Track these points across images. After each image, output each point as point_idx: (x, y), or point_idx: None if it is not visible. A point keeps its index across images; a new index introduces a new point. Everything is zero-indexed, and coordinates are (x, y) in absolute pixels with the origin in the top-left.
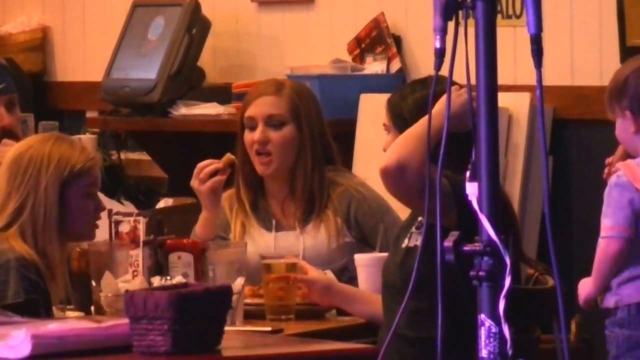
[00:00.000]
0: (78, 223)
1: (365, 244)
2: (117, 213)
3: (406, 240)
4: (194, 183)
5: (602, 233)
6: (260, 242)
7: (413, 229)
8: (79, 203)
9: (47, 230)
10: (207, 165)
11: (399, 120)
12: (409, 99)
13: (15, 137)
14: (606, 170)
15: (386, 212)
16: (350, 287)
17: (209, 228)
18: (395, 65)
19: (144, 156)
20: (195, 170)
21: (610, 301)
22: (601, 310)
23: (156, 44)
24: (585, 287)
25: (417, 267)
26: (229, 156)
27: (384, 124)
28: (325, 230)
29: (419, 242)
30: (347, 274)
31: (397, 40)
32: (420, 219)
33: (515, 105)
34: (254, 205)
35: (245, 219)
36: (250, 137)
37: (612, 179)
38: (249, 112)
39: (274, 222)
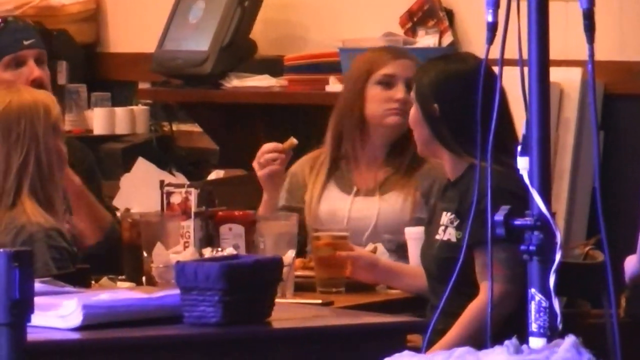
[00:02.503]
0: (61, 169)
1: None
2: (169, 184)
3: (441, 232)
4: (255, 165)
5: None
6: (337, 203)
7: (446, 221)
8: (61, 147)
9: (52, 178)
10: (268, 151)
11: (419, 94)
12: (430, 74)
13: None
14: None
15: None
16: (395, 262)
17: (269, 208)
18: (447, 39)
19: (195, 127)
20: (258, 153)
21: None
22: None
23: (208, 16)
24: (630, 264)
25: (460, 264)
26: (292, 141)
27: (410, 96)
28: (404, 201)
29: (452, 237)
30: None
31: (449, 13)
32: (450, 214)
33: (566, 80)
34: (338, 169)
35: (326, 180)
36: (388, 94)
37: None
38: (390, 70)
39: (355, 188)
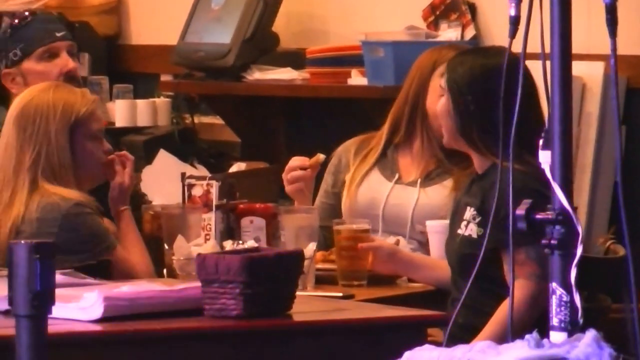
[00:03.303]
0: (90, 167)
1: None
2: (190, 177)
3: (463, 227)
4: (283, 180)
5: None
6: (376, 188)
7: (469, 216)
8: (89, 147)
9: (64, 176)
10: (295, 167)
11: (453, 85)
12: (465, 66)
13: (77, 83)
14: None
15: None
16: (416, 254)
17: None
18: (470, 32)
19: (217, 120)
20: (286, 168)
21: None
22: None
23: (231, 8)
24: None
25: (481, 259)
26: (318, 157)
27: (440, 85)
28: (445, 197)
29: (473, 233)
30: None
31: (472, 7)
32: (473, 210)
33: (588, 74)
34: (385, 155)
35: (372, 165)
36: None
37: None
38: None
39: (397, 175)
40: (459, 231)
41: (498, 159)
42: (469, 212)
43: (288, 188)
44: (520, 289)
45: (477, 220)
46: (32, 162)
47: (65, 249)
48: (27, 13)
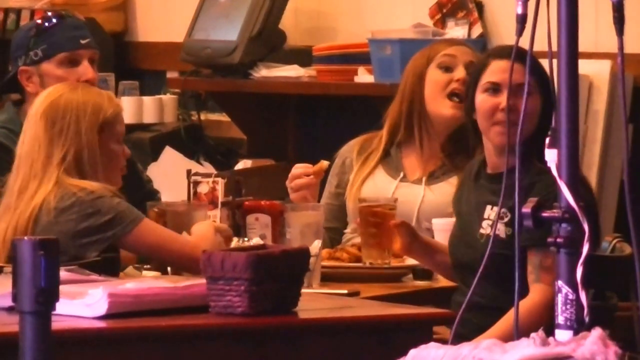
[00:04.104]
0: (112, 169)
1: None
2: (196, 174)
3: (485, 227)
4: (288, 188)
5: None
6: (381, 186)
7: (493, 216)
8: (112, 150)
9: (92, 174)
10: (299, 175)
11: (543, 82)
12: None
13: None
14: None
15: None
16: (431, 238)
17: None
18: (477, 30)
19: (223, 117)
20: (290, 176)
21: None
22: None
23: (238, 5)
24: None
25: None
26: (322, 164)
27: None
28: (450, 194)
29: (501, 233)
30: None
31: (479, 5)
32: (497, 209)
33: (595, 72)
34: (388, 154)
35: (375, 165)
36: (449, 76)
37: None
38: (450, 51)
39: (402, 173)
40: (482, 231)
41: (528, 160)
42: (493, 212)
43: (292, 196)
44: (540, 293)
45: (506, 219)
46: (61, 157)
47: (90, 232)
48: (50, 13)
